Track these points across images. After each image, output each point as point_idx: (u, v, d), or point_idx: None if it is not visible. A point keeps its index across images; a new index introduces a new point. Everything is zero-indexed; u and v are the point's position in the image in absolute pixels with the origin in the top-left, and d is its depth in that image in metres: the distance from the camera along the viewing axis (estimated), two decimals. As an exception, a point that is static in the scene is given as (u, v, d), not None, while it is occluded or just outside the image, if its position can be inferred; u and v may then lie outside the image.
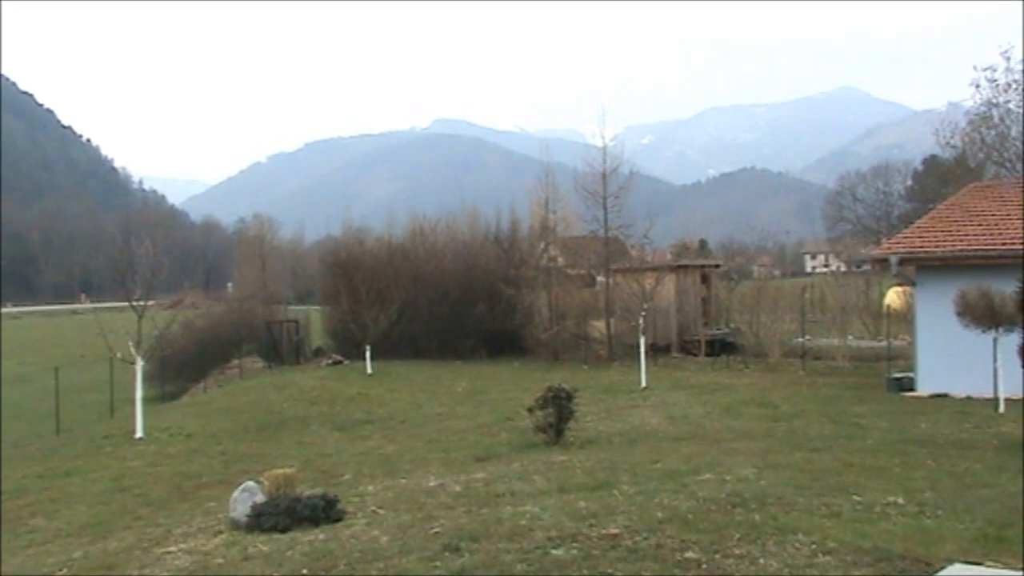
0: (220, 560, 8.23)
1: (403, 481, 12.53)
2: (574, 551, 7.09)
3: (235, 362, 37.80)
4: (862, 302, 37.66)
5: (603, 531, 7.64)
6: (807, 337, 31.94)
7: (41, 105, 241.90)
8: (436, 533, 8.13)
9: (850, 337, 33.04)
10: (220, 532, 9.77)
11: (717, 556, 6.75)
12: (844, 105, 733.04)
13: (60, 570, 8.97)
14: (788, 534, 7.23)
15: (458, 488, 10.95)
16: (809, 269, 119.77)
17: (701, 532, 7.42)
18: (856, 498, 8.73)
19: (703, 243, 73.49)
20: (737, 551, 6.84)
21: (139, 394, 21.94)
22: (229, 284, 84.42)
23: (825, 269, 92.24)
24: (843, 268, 72.17)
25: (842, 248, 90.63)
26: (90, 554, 9.71)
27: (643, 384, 24.67)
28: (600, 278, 38.51)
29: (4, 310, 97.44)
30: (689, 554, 6.84)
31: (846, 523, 7.70)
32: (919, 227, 22.90)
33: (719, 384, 24.89)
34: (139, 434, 20.89)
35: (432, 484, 11.58)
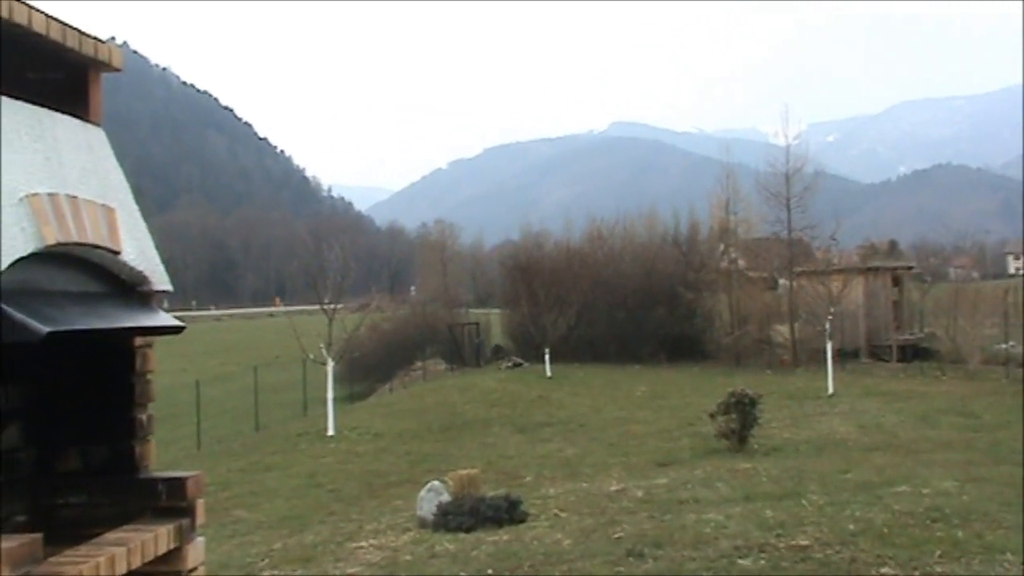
0: (408, 557, 8.47)
1: (584, 485, 12.53)
2: (762, 562, 6.92)
3: (419, 364, 38.95)
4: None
5: (792, 542, 7.42)
6: (1010, 343, 29.92)
7: (240, 119, 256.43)
8: (619, 538, 8.09)
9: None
10: (408, 529, 10.05)
11: (916, 573, 6.43)
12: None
13: (262, 560, 9.43)
14: (995, 553, 6.81)
15: (640, 493, 10.87)
16: (1012, 270, 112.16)
17: (898, 547, 7.08)
18: (1071, 517, 8.11)
19: (894, 244, 70.05)
20: (939, 569, 6.50)
21: (330, 394, 22.89)
22: (412, 288, 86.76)
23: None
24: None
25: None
26: (288, 546, 10.18)
27: (830, 391, 23.77)
28: (783, 281, 37.45)
29: (207, 313, 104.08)
30: (885, 570, 6.56)
31: (1060, 543, 7.17)
32: None
33: (913, 392, 23.70)
34: (330, 432, 21.78)
35: (614, 488, 11.54)
